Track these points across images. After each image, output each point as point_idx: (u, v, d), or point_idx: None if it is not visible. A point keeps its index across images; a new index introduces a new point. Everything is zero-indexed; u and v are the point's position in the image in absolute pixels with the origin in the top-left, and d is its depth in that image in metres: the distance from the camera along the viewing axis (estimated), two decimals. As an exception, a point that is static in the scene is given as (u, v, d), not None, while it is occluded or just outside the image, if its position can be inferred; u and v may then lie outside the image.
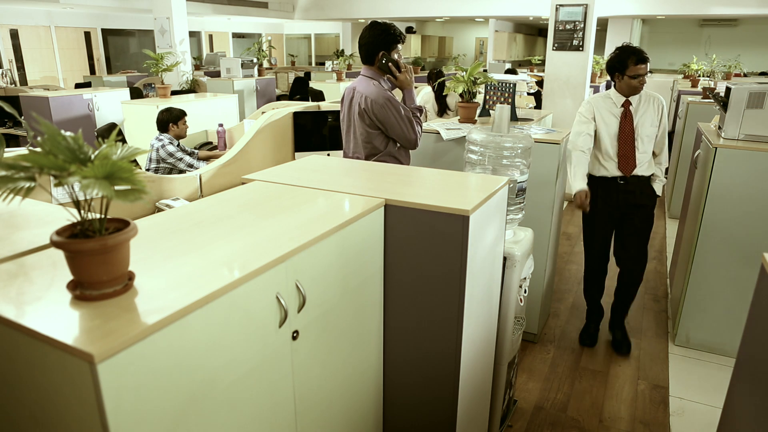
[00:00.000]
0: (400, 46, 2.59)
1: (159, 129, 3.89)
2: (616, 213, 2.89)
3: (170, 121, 3.88)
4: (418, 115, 2.63)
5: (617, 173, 2.82)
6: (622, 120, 2.79)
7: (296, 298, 1.27)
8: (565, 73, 5.47)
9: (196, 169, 3.73)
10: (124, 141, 4.94)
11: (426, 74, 10.04)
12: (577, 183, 2.81)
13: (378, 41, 2.52)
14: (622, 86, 2.77)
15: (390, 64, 2.53)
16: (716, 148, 2.71)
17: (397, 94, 2.71)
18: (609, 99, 2.83)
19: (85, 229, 0.95)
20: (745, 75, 9.12)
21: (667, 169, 3.01)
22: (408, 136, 2.55)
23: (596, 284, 3.11)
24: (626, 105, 2.79)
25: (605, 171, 2.84)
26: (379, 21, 2.58)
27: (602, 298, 3.15)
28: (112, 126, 4.76)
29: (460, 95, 3.17)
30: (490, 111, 3.45)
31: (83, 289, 0.96)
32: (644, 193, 2.85)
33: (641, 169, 2.81)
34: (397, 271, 1.65)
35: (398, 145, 2.63)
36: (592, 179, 2.86)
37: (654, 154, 2.88)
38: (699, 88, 6.71)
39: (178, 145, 3.90)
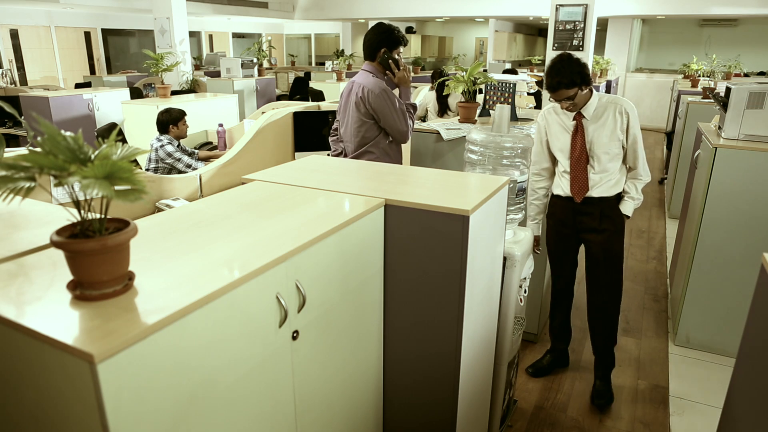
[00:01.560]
0: (402, 48, 2.73)
1: (159, 130, 3.89)
2: (574, 239, 2.54)
3: (170, 122, 3.88)
4: (412, 111, 2.76)
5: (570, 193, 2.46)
6: (573, 135, 2.39)
7: (296, 298, 1.27)
8: (565, 73, 5.46)
9: (195, 169, 3.74)
10: (124, 141, 4.94)
11: (427, 74, 10.07)
12: (529, 227, 2.52)
13: (382, 38, 2.67)
14: None
15: (390, 60, 2.67)
16: (716, 148, 2.71)
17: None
18: (562, 109, 2.41)
19: (85, 229, 0.95)
20: (745, 75, 9.12)
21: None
22: (400, 128, 2.68)
23: (557, 307, 2.74)
24: (578, 117, 2.37)
25: (560, 189, 2.49)
26: (386, 23, 2.74)
27: (568, 320, 2.77)
28: (112, 126, 4.76)
29: (461, 95, 3.17)
30: (490, 111, 3.44)
31: (83, 289, 0.96)
32: (606, 217, 2.43)
33: (600, 190, 2.40)
34: (397, 271, 1.65)
35: (389, 139, 2.74)
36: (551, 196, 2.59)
37: (629, 169, 2.45)
38: (699, 88, 6.71)
39: (178, 145, 3.90)
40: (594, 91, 2.39)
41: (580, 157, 2.39)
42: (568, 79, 2.25)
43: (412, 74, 10.61)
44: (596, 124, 2.37)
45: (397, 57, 2.68)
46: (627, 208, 2.45)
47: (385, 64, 2.66)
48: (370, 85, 2.62)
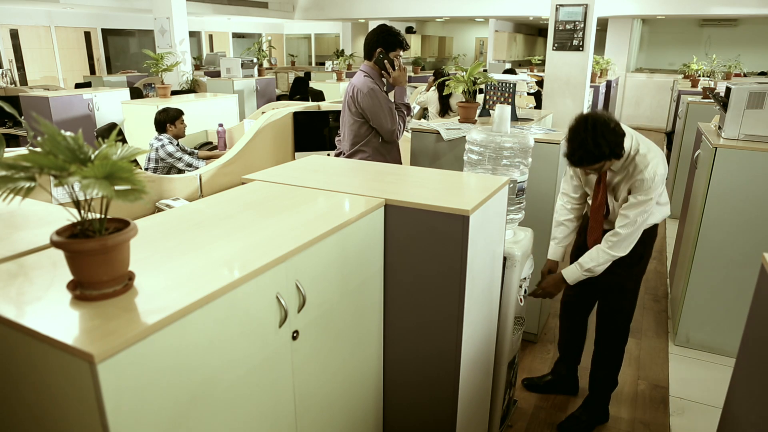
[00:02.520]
0: (401, 52, 2.76)
1: (157, 129, 3.91)
2: None
3: (167, 121, 3.89)
4: (404, 111, 2.80)
5: None
6: (597, 181, 2.13)
7: (296, 298, 1.27)
8: (565, 73, 5.47)
9: (196, 168, 3.74)
10: (124, 141, 4.93)
11: (428, 74, 10.06)
12: (549, 252, 2.36)
13: (380, 39, 2.71)
14: None
15: (385, 61, 2.70)
16: (716, 148, 2.71)
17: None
18: None
19: (85, 229, 0.95)
20: (745, 75, 9.12)
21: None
22: (386, 126, 2.72)
23: (564, 321, 2.58)
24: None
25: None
26: (388, 25, 2.78)
27: (576, 341, 2.57)
28: (112, 126, 4.75)
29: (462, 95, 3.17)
30: (490, 111, 3.45)
31: (83, 289, 0.96)
32: (615, 269, 2.14)
33: None
34: (397, 271, 1.65)
35: (381, 138, 2.78)
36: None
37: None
38: (699, 88, 6.71)
39: (178, 144, 3.90)
40: (628, 138, 1.98)
41: (600, 207, 2.14)
42: (591, 156, 1.90)
43: (412, 74, 10.64)
44: (620, 176, 2.06)
45: (394, 58, 2.71)
46: (566, 270, 2.15)
47: (380, 64, 2.71)
48: (359, 84, 2.68)
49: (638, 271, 2.23)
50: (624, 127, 2.03)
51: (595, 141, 1.88)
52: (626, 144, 1.99)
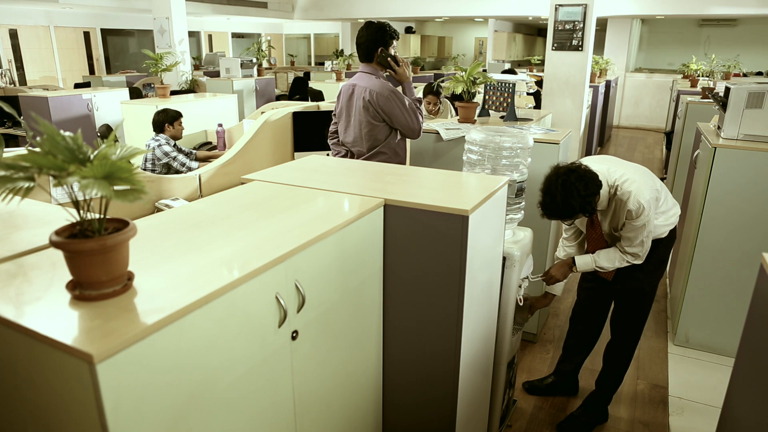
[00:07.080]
0: (395, 42, 2.70)
1: (155, 130, 3.92)
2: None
3: (166, 121, 3.91)
4: (418, 106, 2.73)
5: None
6: (588, 225, 2.22)
7: (296, 298, 1.27)
8: (565, 73, 5.47)
9: (189, 168, 3.75)
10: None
11: (427, 74, 10.04)
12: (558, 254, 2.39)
13: (376, 38, 2.64)
14: None
15: (389, 59, 2.64)
16: (715, 148, 2.71)
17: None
18: None
19: (85, 229, 0.95)
20: (744, 75, 9.12)
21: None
22: (412, 126, 2.66)
23: (579, 327, 2.55)
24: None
25: None
26: (374, 21, 2.69)
27: (585, 342, 2.57)
28: (106, 128, 4.75)
29: (459, 96, 3.17)
30: (490, 111, 3.45)
31: (82, 289, 0.96)
32: (638, 275, 2.23)
33: None
34: (396, 271, 1.65)
35: (398, 137, 2.72)
36: None
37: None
38: (698, 88, 6.71)
39: (174, 145, 3.92)
40: (603, 179, 2.04)
41: (599, 240, 2.20)
42: (562, 214, 2.00)
43: (412, 74, 10.60)
44: (610, 211, 2.11)
45: (394, 53, 2.65)
46: (580, 258, 2.20)
47: (385, 63, 2.63)
48: (376, 88, 2.57)
49: (659, 274, 2.29)
50: (598, 162, 2.08)
51: (564, 200, 1.94)
52: (603, 189, 2.02)
